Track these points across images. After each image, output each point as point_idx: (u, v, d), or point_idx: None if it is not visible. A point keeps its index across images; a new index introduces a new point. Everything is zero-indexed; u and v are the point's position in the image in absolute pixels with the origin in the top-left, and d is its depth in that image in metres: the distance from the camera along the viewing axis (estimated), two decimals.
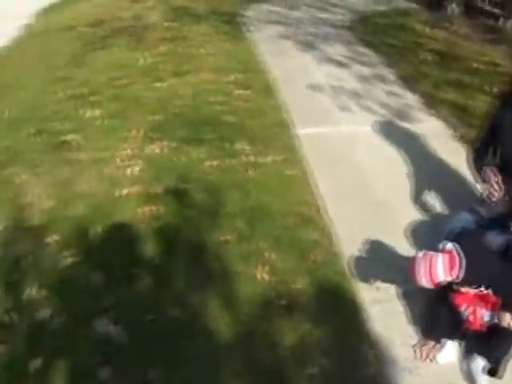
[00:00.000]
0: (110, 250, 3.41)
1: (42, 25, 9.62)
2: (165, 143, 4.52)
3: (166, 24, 8.09)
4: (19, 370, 2.74)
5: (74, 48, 7.43)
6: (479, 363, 2.58)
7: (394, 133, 4.91)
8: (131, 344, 2.78)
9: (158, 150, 4.44)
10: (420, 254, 2.64)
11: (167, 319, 2.92)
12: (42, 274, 3.30)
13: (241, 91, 5.66)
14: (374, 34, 8.14)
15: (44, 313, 3.05)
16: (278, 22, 8.81)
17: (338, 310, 3.03)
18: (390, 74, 6.51)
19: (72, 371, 2.69)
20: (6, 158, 4.66)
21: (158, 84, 5.69)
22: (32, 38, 8.80)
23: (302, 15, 9.51)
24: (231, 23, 8.45)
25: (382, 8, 9.81)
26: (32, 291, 3.19)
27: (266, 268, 3.27)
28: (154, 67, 6.20)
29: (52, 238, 3.56)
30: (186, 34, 7.60)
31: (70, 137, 4.77)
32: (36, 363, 2.75)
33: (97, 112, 5.18)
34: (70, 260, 3.37)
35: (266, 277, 3.21)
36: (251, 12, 9.55)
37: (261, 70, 6.43)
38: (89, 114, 5.18)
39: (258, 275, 3.22)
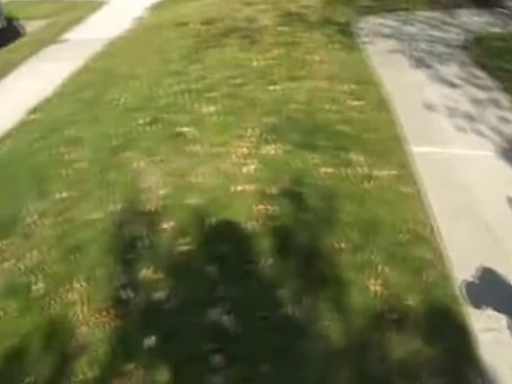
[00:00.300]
0: (225, 243, 3.55)
1: (154, 19, 10.05)
2: (279, 145, 4.64)
3: (278, 28, 8.26)
4: (134, 345, 2.92)
5: (187, 44, 7.71)
6: None
7: (508, 159, 4.84)
8: (245, 336, 2.88)
9: (272, 152, 4.56)
10: None
11: (281, 317, 3.01)
12: (158, 257, 3.49)
13: (355, 102, 5.72)
14: (489, 56, 7.98)
15: (159, 294, 3.22)
16: (391, 36, 8.79)
17: (447, 333, 3.03)
18: (505, 99, 6.39)
19: (184, 353, 2.83)
20: (123, 142, 4.93)
21: (271, 87, 5.84)
22: (144, 31, 9.21)
23: (415, 31, 9.44)
24: (344, 33, 8.51)
25: (497, 30, 9.60)
26: (148, 272, 3.37)
27: (379, 281, 3.30)
28: (267, 70, 6.35)
29: (168, 225, 3.75)
30: (299, 40, 7.73)
31: (185, 129, 4.99)
32: (150, 341, 2.92)
33: (212, 108, 5.37)
34: (185, 248, 3.54)
35: (378, 289, 3.24)
36: (363, 24, 9.58)
37: (374, 82, 6.46)
38: (204, 109, 5.38)
39: (370, 286, 3.25)
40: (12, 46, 10.17)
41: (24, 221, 4.12)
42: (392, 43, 8.35)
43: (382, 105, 5.82)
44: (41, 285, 3.44)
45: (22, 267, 3.64)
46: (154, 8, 11.29)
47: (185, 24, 8.85)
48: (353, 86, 6.16)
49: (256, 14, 9.15)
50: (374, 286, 3.26)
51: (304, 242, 3.56)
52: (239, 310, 3.05)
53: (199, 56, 7.09)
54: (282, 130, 4.91)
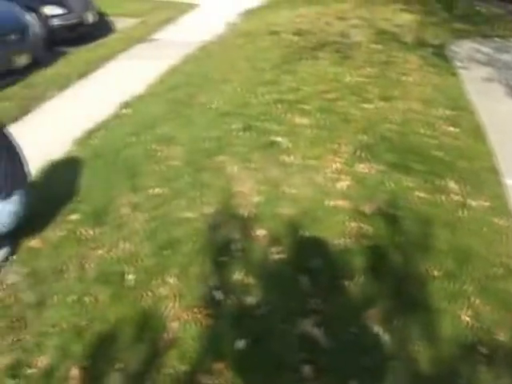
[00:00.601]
0: (317, 256, 3.64)
1: (245, 26, 10.31)
2: (373, 164, 4.72)
3: (371, 46, 8.34)
4: (224, 345, 3.04)
5: (279, 54, 7.89)
6: None
7: None
8: (335, 350, 2.97)
9: (366, 170, 4.64)
10: None
11: (370, 336, 3.08)
12: (250, 262, 3.61)
13: (450, 128, 5.74)
14: None
15: (250, 299, 3.34)
16: (487, 63, 8.74)
17: None
18: None
19: (274, 360, 2.94)
20: (216, 146, 5.12)
21: (365, 104, 5.92)
22: (236, 37, 9.45)
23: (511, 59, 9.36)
24: (438, 56, 8.52)
25: None
26: (239, 276, 3.51)
27: (470, 312, 3.32)
28: (361, 87, 6.44)
29: (260, 232, 3.88)
30: (393, 59, 7.79)
31: (278, 139, 5.13)
32: (240, 344, 3.04)
33: (305, 120, 5.50)
34: (277, 256, 3.65)
35: (469, 320, 3.27)
36: (458, 48, 9.55)
37: (469, 109, 6.45)
38: (297, 120, 5.52)
39: (461, 316, 3.28)
40: (103, 40, 10.65)
41: (117, 212, 4.34)
42: (488, 70, 8.30)
43: (478, 133, 5.81)
44: (132, 276, 3.62)
45: (115, 256, 3.84)
46: (246, 15, 11.57)
47: (277, 33, 9.04)
48: (447, 112, 6.18)
49: (349, 29, 9.26)
50: (465, 317, 3.28)
51: (397, 265, 3.61)
52: (330, 323, 3.14)
53: (291, 67, 7.24)
54: (375, 149, 4.98)
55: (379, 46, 8.32)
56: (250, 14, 11.67)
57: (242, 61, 7.79)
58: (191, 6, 13.19)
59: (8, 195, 3.80)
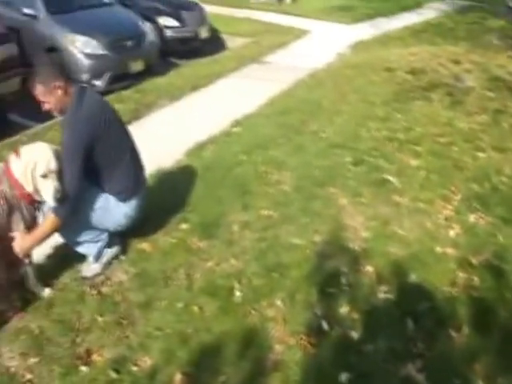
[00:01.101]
0: (423, 301, 3.65)
1: (356, 58, 10.41)
2: (483, 215, 4.68)
3: (484, 92, 8.24)
4: (328, 377, 3.11)
5: (391, 90, 7.93)
6: None
7: None
8: None
9: (476, 220, 4.61)
10: None
11: None
12: (356, 297, 3.67)
13: None
14: None
15: (355, 334, 3.40)
16: None
17: None
18: None
19: None
20: (327, 176, 5.22)
21: (477, 153, 5.86)
22: (346, 67, 9.56)
23: None
24: None
25: None
26: (345, 309, 3.57)
27: None
28: (473, 134, 6.38)
29: (368, 268, 3.94)
30: (507, 108, 7.64)
31: (389, 177, 5.17)
32: (344, 377, 3.10)
33: (416, 162, 5.52)
34: (383, 295, 3.70)
35: None
36: None
37: None
38: (408, 160, 5.55)
39: None
40: (215, 57, 11.02)
41: (227, 227, 4.51)
42: None
43: None
44: (240, 292, 3.76)
45: (223, 271, 3.99)
46: (356, 46, 11.69)
47: (388, 69, 9.08)
48: None
49: (461, 72, 9.17)
50: None
51: (504, 320, 3.57)
52: (433, 370, 3.14)
53: (403, 105, 7.26)
54: (486, 199, 4.93)
55: (492, 94, 8.18)
56: (360, 46, 11.77)
57: (353, 93, 7.88)
58: (303, 32, 13.42)
59: (127, 198, 4.01)
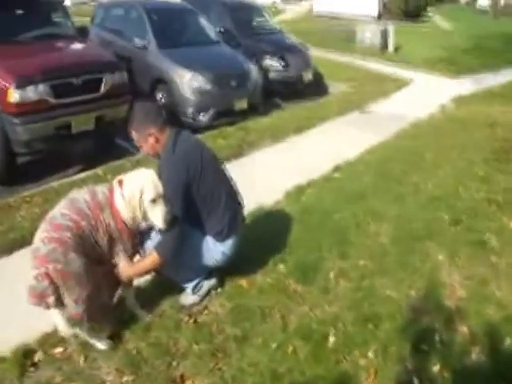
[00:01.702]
0: None
1: (458, 111, 10.39)
2: None
3: None
4: None
5: (493, 149, 7.87)
6: None
7: None
8: None
9: None
10: None
11: None
12: (448, 356, 3.69)
13: None
14: None
15: None
16: None
17: None
18: None
19: None
20: (425, 231, 5.28)
21: None
22: (448, 121, 9.57)
23: None
24: None
25: None
26: (437, 367, 3.60)
27: None
28: None
29: (462, 328, 3.95)
30: None
31: (487, 238, 5.16)
32: None
33: None
34: (476, 357, 3.71)
35: None
36: None
37: None
38: (507, 223, 5.51)
39: None
40: (318, 101, 11.25)
41: (323, 273, 4.62)
42: None
43: None
44: (334, 339, 3.85)
45: (318, 316, 4.10)
46: (459, 100, 11.64)
47: (490, 126, 9.03)
48: None
49: None
50: None
51: None
52: None
53: (504, 166, 7.19)
54: None
55: None
56: (463, 99, 11.71)
57: (454, 147, 7.89)
58: (405, 81, 13.51)
59: (225, 238, 4.19)
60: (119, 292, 4.01)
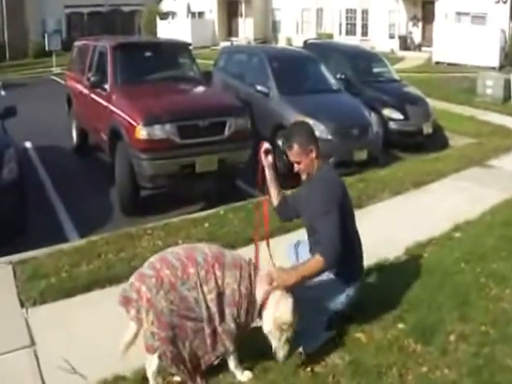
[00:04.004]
0: None
1: None
2: None
3: None
4: None
5: None
6: None
7: None
8: None
9: None
10: None
11: None
12: None
13: None
14: None
15: None
16: None
17: None
18: None
19: None
20: None
21: None
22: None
23: None
24: None
25: None
26: None
27: None
28: None
29: None
30: None
31: None
32: None
33: None
34: None
35: None
36: None
37: None
38: None
39: None
40: (438, 154, 11.10)
41: (442, 335, 4.58)
42: None
43: None
44: None
45: (436, 379, 4.08)
46: None
47: None
48: None
49: None
50: None
51: None
52: None
53: None
54: None
55: None
56: None
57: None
58: None
59: (353, 281, 4.34)
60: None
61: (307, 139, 4.23)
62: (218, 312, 3.81)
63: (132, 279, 3.88)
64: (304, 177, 4.43)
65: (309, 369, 4.20)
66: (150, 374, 3.90)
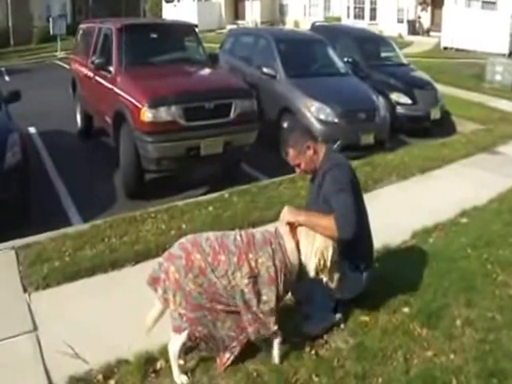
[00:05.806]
0: None
1: None
2: None
3: None
4: None
5: None
6: None
7: None
8: None
9: None
10: None
11: None
12: None
13: None
14: None
15: None
16: None
17: None
18: None
19: None
20: None
21: None
22: None
23: None
24: None
25: None
26: None
27: None
28: None
29: None
30: None
31: None
32: None
33: None
34: None
35: None
36: None
37: None
38: None
39: None
40: (444, 140, 11.02)
41: (448, 320, 4.57)
42: None
43: None
44: None
45: (441, 364, 4.06)
46: None
47: None
48: None
49: None
50: None
51: None
52: None
53: None
54: None
55: None
56: None
57: None
58: None
59: (366, 268, 4.37)
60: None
61: (300, 138, 4.22)
62: (255, 295, 3.78)
63: (161, 259, 3.91)
64: (310, 175, 4.44)
65: (313, 352, 4.21)
66: (172, 355, 3.91)
